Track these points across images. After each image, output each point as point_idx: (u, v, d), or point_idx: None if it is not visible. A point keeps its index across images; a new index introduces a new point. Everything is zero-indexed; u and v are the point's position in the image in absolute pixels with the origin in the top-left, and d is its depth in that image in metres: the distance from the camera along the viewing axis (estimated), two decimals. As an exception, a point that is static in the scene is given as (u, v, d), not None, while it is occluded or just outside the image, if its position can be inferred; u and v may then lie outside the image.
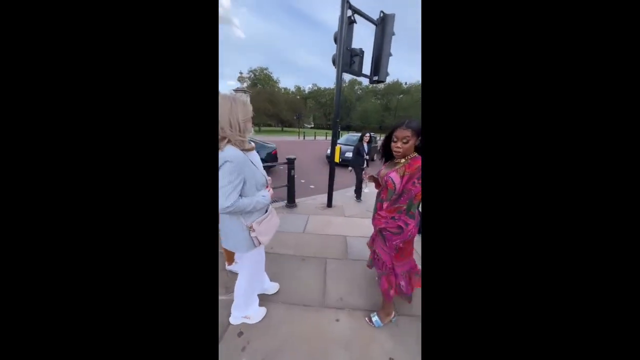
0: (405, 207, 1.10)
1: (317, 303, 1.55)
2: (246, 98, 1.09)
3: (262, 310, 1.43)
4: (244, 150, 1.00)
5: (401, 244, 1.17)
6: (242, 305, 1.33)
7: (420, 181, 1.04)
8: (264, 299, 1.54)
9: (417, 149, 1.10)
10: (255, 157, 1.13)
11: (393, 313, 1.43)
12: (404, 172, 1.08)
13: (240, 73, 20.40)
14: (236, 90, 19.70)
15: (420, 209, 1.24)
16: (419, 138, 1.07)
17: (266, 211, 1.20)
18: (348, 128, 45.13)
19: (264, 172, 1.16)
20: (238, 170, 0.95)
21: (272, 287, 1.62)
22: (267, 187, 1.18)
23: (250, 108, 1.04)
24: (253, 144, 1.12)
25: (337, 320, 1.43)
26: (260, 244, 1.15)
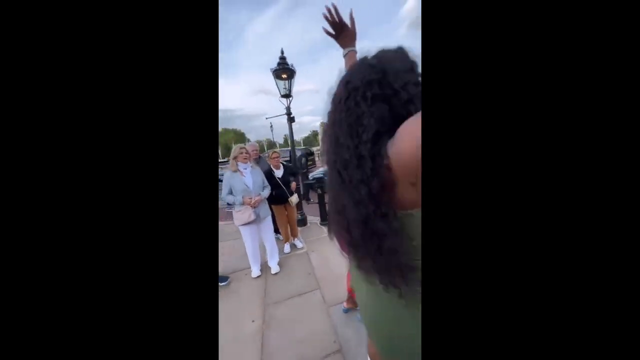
0: None
1: (272, 300, 1.79)
2: (241, 146, 2.00)
3: (258, 273, 2.14)
4: (234, 171, 1.96)
5: None
6: (249, 261, 2.21)
7: None
8: (267, 271, 2.20)
9: None
10: (247, 176, 2.01)
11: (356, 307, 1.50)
12: None
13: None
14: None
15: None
16: None
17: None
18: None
19: (250, 186, 1.98)
20: (225, 182, 1.95)
21: (274, 268, 2.17)
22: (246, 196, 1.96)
23: (239, 150, 1.98)
24: (244, 169, 2.01)
25: (253, 321, 1.60)
26: (238, 224, 1.99)
